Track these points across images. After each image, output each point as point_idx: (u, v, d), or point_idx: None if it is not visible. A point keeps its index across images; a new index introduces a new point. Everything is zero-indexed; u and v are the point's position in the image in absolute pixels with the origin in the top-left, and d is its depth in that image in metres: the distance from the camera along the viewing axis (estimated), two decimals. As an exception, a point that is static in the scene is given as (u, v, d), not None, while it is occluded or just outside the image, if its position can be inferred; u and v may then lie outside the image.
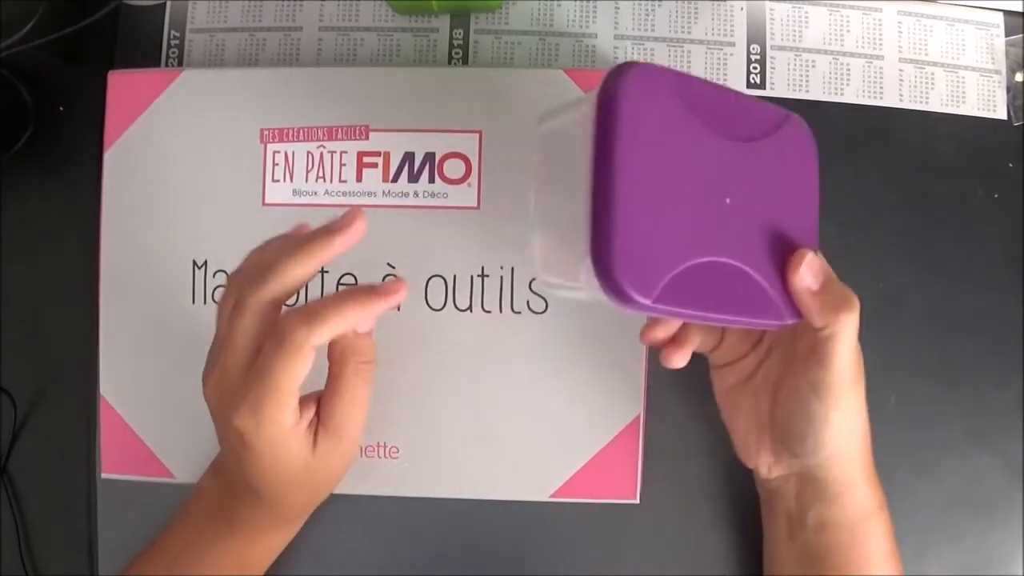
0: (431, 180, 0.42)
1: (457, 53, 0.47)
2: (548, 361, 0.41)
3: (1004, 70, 0.47)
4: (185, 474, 0.42)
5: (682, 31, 0.47)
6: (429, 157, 0.42)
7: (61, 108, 0.47)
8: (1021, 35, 0.47)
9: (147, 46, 0.47)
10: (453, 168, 0.42)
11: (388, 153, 0.42)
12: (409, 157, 0.42)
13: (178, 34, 0.48)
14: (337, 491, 0.41)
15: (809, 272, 0.32)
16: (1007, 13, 0.47)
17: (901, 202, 0.46)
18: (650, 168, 0.28)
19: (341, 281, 0.42)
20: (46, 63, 0.47)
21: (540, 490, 0.41)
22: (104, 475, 0.43)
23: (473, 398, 0.41)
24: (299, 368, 0.32)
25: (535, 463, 0.41)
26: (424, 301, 0.42)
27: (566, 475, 0.41)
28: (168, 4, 0.48)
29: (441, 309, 0.42)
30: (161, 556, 0.38)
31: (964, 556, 0.44)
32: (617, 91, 0.28)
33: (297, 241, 0.33)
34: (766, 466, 0.38)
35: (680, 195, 0.29)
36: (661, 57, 0.47)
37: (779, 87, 0.47)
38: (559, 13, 0.47)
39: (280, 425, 0.33)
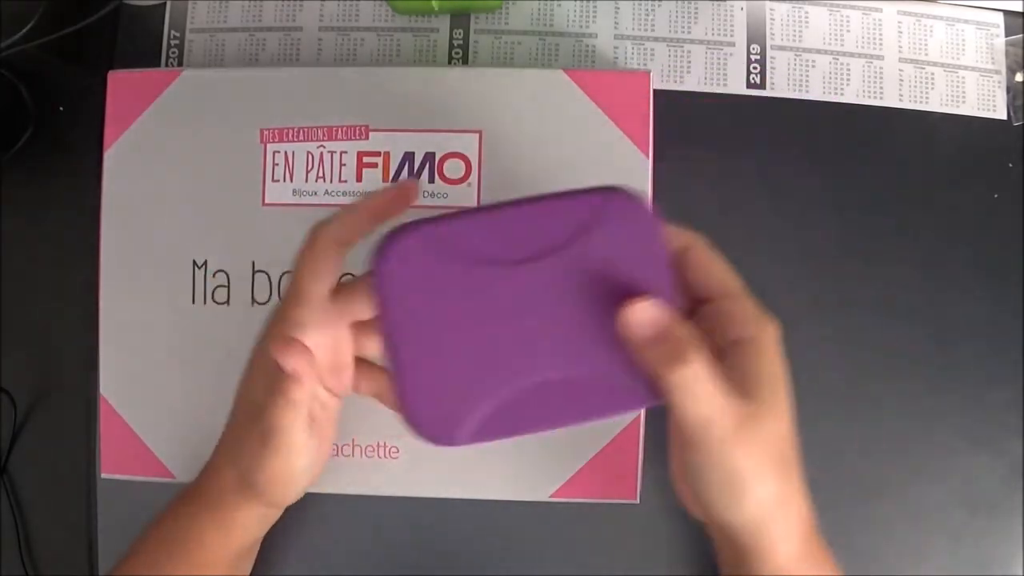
0: (431, 180, 0.42)
1: (457, 53, 0.47)
2: None
3: (1004, 70, 0.47)
4: (185, 474, 0.42)
5: (682, 31, 0.47)
6: (429, 157, 0.42)
7: (61, 108, 0.47)
8: (1021, 35, 0.47)
9: (147, 46, 0.47)
10: (453, 168, 0.42)
11: (388, 153, 0.42)
12: (409, 157, 0.42)
13: (178, 34, 0.48)
14: (337, 491, 0.41)
15: (632, 322, 0.28)
16: (1007, 13, 0.47)
17: (901, 202, 0.46)
18: (429, 325, 0.29)
19: (341, 280, 0.42)
20: (46, 63, 0.47)
21: (540, 490, 0.41)
22: (104, 475, 0.43)
23: None
24: (321, 266, 0.31)
25: (535, 463, 0.41)
26: None
27: (566, 475, 0.41)
28: (168, 4, 0.48)
29: None
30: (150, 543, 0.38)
31: (964, 556, 0.44)
32: (378, 268, 0.29)
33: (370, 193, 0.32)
34: (696, 511, 0.34)
35: (467, 339, 0.29)
36: (661, 57, 0.47)
37: (779, 87, 0.47)
38: (559, 13, 0.47)
39: (303, 324, 0.32)
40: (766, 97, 0.46)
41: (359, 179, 0.42)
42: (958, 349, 0.45)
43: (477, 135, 0.42)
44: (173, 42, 0.47)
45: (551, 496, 0.41)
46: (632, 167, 0.41)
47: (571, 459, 0.41)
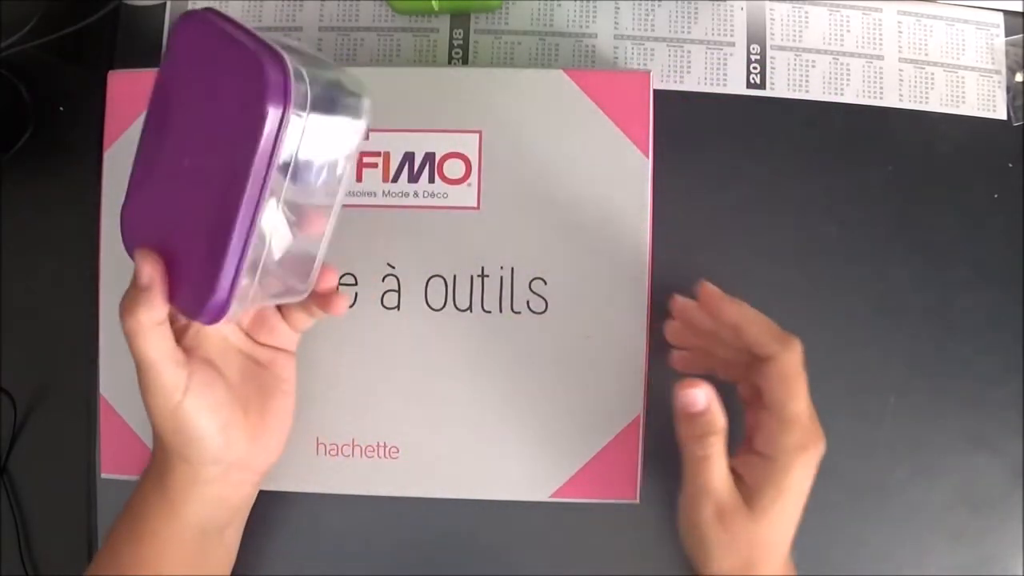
0: (431, 180, 0.42)
1: (457, 53, 0.47)
2: (548, 361, 0.41)
3: (1004, 70, 0.47)
4: None
5: (682, 31, 0.47)
6: (429, 157, 0.42)
7: (61, 108, 0.47)
8: (1021, 35, 0.47)
9: (147, 46, 0.47)
10: (453, 168, 0.42)
11: (388, 153, 0.42)
12: (409, 157, 0.42)
13: (178, 34, 0.48)
14: (337, 491, 0.41)
15: (685, 400, 0.37)
16: (1007, 13, 0.47)
17: (901, 202, 0.46)
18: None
19: (341, 281, 0.42)
20: (46, 63, 0.47)
21: (540, 490, 0.41)
22: (104, 475, 0.43)
23: (473, 398, 0.41)
24: (154, 343, 0.32)
25: (535, 463, 0.41)
26: (424, 301, 0.42)
27: (566, 475, 0.41)
28: (168, 4, 0.48)
29: (441, 309, 0.42)
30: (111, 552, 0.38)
31: (964, 556, 0.44)
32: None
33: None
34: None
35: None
36: (661, 57, 0.47)
37: (779, 87, 0.47)
38: (559, 13, 0.47)
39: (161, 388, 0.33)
40: (766, 97, 0.46)
41: (359, 179, 0.42)
42: (958, 349, 0.45)
43: (477, 135, 0.42)
44: (173, 42, 0.47)
45: (551, 496, 0.41)
46: (632, 167, 0.41)
47: (571, 459, 0.41)
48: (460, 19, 0.47)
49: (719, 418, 0.36)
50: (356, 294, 0.42)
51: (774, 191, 0.46)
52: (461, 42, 0.47)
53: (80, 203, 0.45)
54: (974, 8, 0.48)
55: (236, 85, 0.29)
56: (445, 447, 0.41)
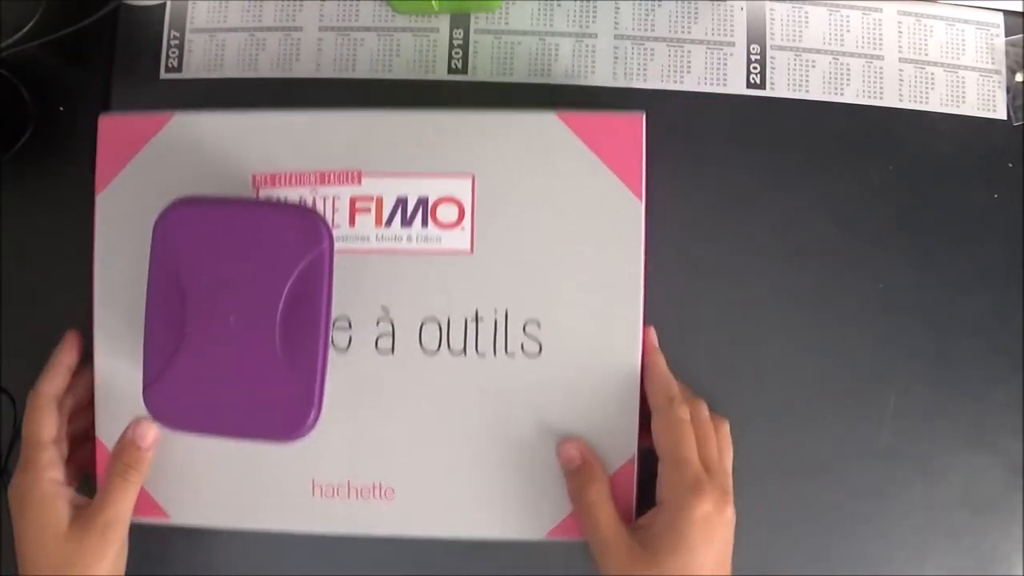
0: (424, 224, 0.42)
1: (457, 53, 0.47)
2: (543, 403, 0.41)
3: (1004, 70, 0.47)
4: (180, 514, 0.42)
5: (682, 31, 0.47)
6: (422, 202, 0.42)
7: (61, 108, 0.47)
8: (1021, 35, 0.47)
9: (147, 46, 0.47)
10: (446, 212, 0.42)
11: (381, 198, 0.42)
12: (402, 202, 0.42)
13: (178, 34, 0.48)
14: (333, 532, 0.41)
15: (563, 455, 0.40)
16: (1007, 13, 0.47)
17: (901, 202, 0.46)
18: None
19: (335, 325, 0.41)
20: (46, 63, 0.47)
21: (535, 529, 0.41)
22: None
23: (467, 439, 0.41)
24: (44, 418, 0.40)
25: (530, 503, 0.41)
26: (418, 344, 0.41)
27: (561, 514, 0.41)
28: (168, 4, 0.48)
29: (435, 352, 0.42)
30: None
31: (964, 556, 0.44)
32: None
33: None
34: None
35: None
36: (661, 57, 0.47)
37: (779, 87, 0.47)
38: (559, 13, 0.47)
39: (38, 472, 0.39)
40: (766, 97, 0.46)
41: (352, 224, 0.42)
42: (958, 349, 0.45)
43: (470, 179, 0.42)
44: (173, 42, 0.47)
45: (546, 535, 0.41)
46: (625, 210, 0.41)
47: (566, 498, 0.41)
48: (460, 19, 0.47)
49: (598, 468, 0.39)
50: (350, 338, 0.41)
51: (774, 191, 0.46)
52: (461, 42, 0.47)
53: (80, 203, 0.45)
54: (974, 8, 0.48)
55: (277, 238, 0.36)
56: (440, 488, 0.41)
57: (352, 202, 0.42)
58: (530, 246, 0.41)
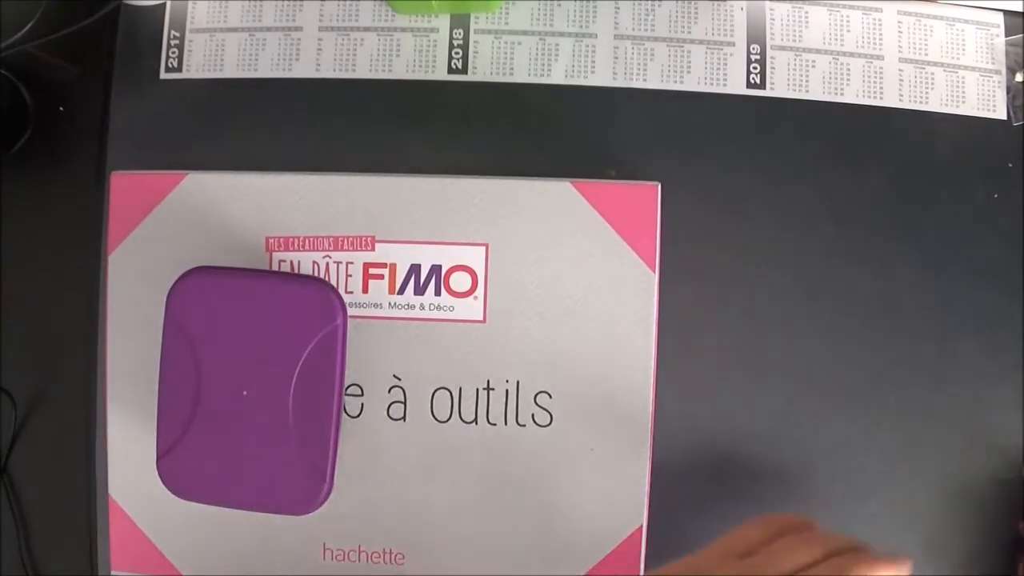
0: (437, 293, 0.42)
1: (457, 53, 0.47)
2: (552, 473, 0.41)
3: (1004, 70, 0.47)
4: (191, 569, 0.42)
5: (682, 31, 0.47)
6: (436, 270, 0.42)
7: (61, 108, 0.47)
8: (1021, 35, 0.47)
9: (147, 46, 0.47)
10: (460, 281, 0.42)
11: (394, 265, 0.42)
12: (415, 269, 0.42)
13: (178, 34, 0.48)
14: None
15: None
16: (1007, 13, 0.47)
17: (901, 202, 0.46)
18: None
19: (348, 392, 0.42)
20: (46, 63, 0.47)
21: None
22: (114, 573, 0.43)
23: (477, 507, 0.42)
24: None
25: (538, 571, 0.41)
26: (430, 412, 0.42)
27: None
28: (168, 4, 0.48)
29: (447, 421, 0.42)
30: None
31: (963, 556, 0.44)
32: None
33: None
34: None
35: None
36: (661, 57, 0.47)
37: (779, 87, 0.47)
38: (559, 13, 0.47)
39: None
40: (766, 97, 0.46)
41: (365, 290, 0.42)
42: (958, 349, 0.45)
43: (484, 248, 0.42)
44: (173, 42, 0.47)
45: None
46: (638, 281, 0.41)
47: (574, 567, 0.41)
48: (460, 19, 0.47)
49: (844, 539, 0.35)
50: (362, 404, 0.42)
51: (774, 191, 0.46)
52: (461, 42, 0.47)
53: (80, 203, 0.45)
54: (974, 8, 0.48)
55: (291, 312, 0.37)
56: (449, 555, 0.42)
57: (365, 268, 0.42)
58: (543, 317, 0.41)
